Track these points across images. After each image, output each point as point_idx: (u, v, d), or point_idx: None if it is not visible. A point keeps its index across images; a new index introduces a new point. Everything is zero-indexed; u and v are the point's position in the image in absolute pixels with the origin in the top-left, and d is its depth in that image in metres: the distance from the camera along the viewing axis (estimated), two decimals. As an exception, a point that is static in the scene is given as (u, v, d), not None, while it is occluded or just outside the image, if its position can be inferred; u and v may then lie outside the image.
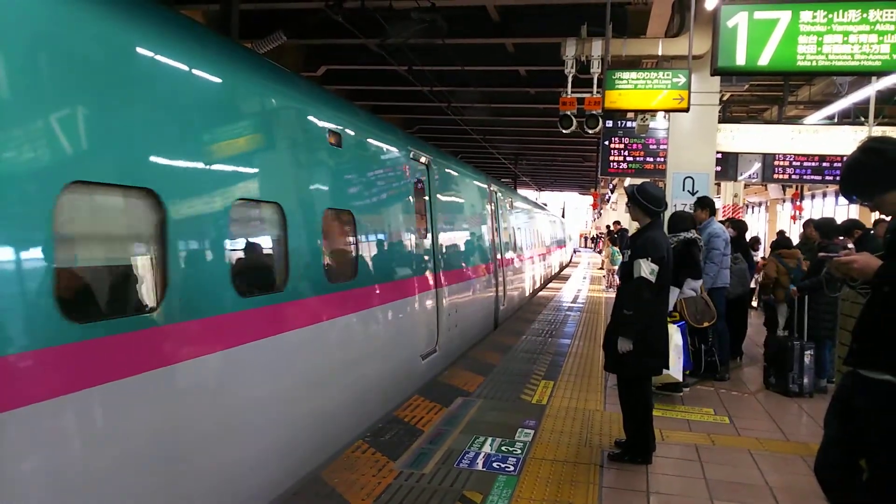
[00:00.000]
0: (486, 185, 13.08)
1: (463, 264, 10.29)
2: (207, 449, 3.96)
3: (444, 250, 9.14)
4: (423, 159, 8.49)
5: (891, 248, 3.19)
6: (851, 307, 5.35)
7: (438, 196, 9.15)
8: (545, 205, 37.60)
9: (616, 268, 19.26)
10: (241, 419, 4.29)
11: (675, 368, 6.91)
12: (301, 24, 11.00)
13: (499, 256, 13.44)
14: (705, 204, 8.40)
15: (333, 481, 4.75)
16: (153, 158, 3.66)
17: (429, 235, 8.52)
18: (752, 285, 10.55)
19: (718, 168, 12.55)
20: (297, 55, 15.68)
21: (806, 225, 10.01)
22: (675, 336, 6.91)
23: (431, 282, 8.42)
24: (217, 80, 4.35)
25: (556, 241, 30.95)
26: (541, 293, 19.34)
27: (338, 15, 10.03)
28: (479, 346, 10.27)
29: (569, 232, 46.91)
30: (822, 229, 8.10)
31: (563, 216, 51.99)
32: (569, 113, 10.02)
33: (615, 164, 14.57)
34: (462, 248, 10.43)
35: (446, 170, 9.92)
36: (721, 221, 9.95)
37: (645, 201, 5.30)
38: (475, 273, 11.05)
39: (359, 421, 5.97)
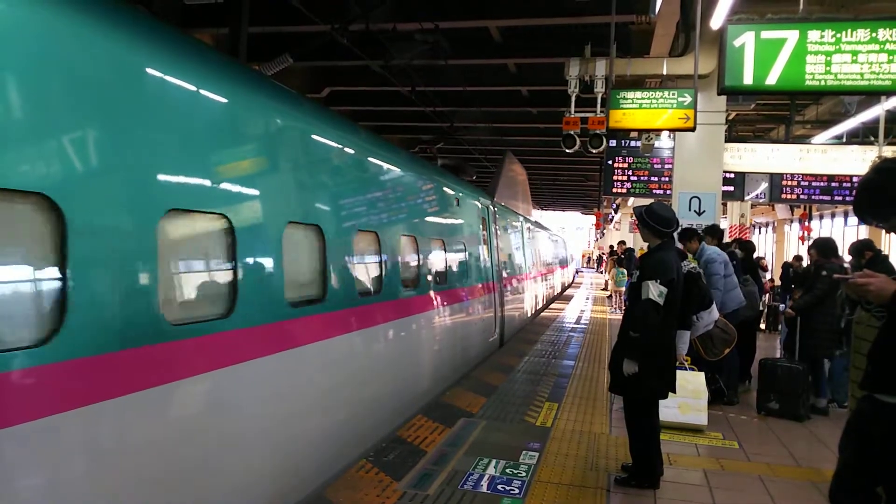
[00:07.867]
0: None
1: None
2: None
3: None
4: None
5: None
6: (865, 330, 5.24)
7: None
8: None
9: (622, 289, 19.17)
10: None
11: (700, 415, 6.81)
12: (306, 47, 11.04)
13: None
14: (690, 235, 7.89)
15: (338, 500, 4.70)
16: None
17: None
18: (761, 308, 10.43)
19: (731, 188, 12.47)
20: (302, 77, 15.77)
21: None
22: (695, 381, 6.80)
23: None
24: None
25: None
26: (543, 314, 19.21)
27: (343, 37, 10.05)
28: (481, 367, 10.16)
29: (570, 251, 42.90)
30: (820, 248, 8.02)
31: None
32: (572, 132, 9.97)
33: (619, 183, 14.53)
34: None
35: None
36: (728, 242, 9.85)
37: (653, 222, 5.19)
38: None
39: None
